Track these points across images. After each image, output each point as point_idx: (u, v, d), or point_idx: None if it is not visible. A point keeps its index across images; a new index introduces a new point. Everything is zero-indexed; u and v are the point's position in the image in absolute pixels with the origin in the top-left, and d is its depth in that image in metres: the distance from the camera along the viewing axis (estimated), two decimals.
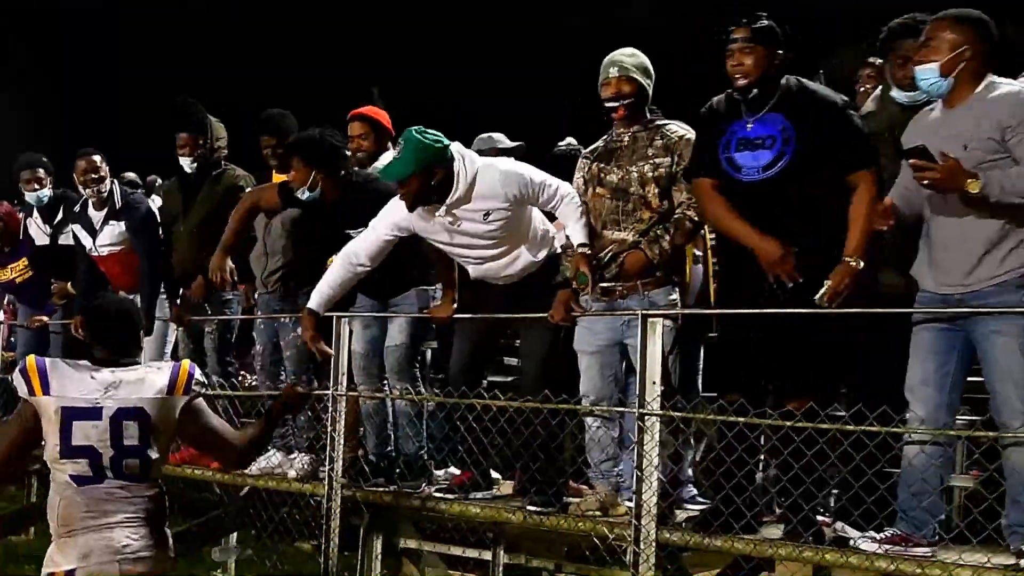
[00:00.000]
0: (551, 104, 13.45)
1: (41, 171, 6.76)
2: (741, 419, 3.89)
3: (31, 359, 3.24)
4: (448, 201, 4.48)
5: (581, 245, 4.31)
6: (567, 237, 4.46)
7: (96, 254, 6.32)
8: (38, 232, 6.86)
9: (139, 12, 17.56)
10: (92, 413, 3.18)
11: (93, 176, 6.22)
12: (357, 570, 5.19)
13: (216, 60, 16.49)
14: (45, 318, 6.89)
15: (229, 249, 5.45)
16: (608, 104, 4.41)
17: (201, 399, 3.34)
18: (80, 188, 6.31)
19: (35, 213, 6.87)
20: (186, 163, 5.90)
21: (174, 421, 3.28)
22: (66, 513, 3.16)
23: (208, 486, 6.02)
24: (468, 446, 4.72)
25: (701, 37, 5.12)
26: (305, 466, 5.39)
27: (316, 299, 4.78)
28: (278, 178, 5.57)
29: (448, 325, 4.93)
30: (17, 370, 3.24)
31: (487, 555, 5.32)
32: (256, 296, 5.81)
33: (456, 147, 4.55)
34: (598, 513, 4.38)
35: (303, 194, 5.07)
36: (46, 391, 3.16)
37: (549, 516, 4.44)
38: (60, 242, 6.70)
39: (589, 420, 4.50)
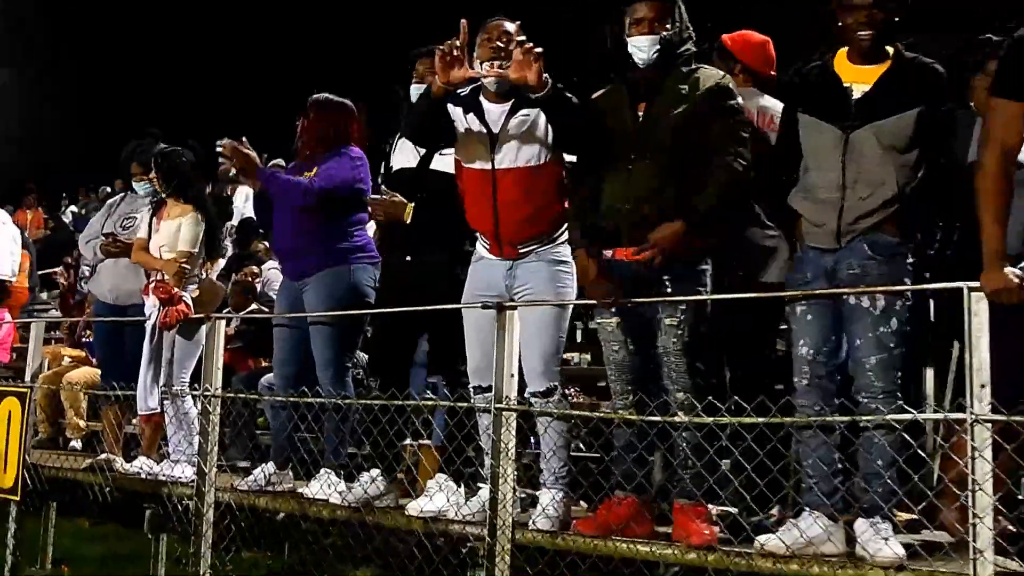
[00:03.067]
0: None
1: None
2: None
3: None
4: None
5: None
6: None
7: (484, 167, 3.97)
8: (407, 153, 4.49)
9: None
10: None
11: (501, 41, 3.87)
12: None
13: None
14: None
15: None
16: None
17: None
18: (476, 60, 3.93)
19: None
20: (642, 46, 3.64)
21: None
22: None
23: None
24: None
25: None
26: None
27: None
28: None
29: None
30: None
31: None
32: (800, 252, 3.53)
33: None
34: None
35: None
36: None
37: None
38: (433, 167, 4.37)
39: None
